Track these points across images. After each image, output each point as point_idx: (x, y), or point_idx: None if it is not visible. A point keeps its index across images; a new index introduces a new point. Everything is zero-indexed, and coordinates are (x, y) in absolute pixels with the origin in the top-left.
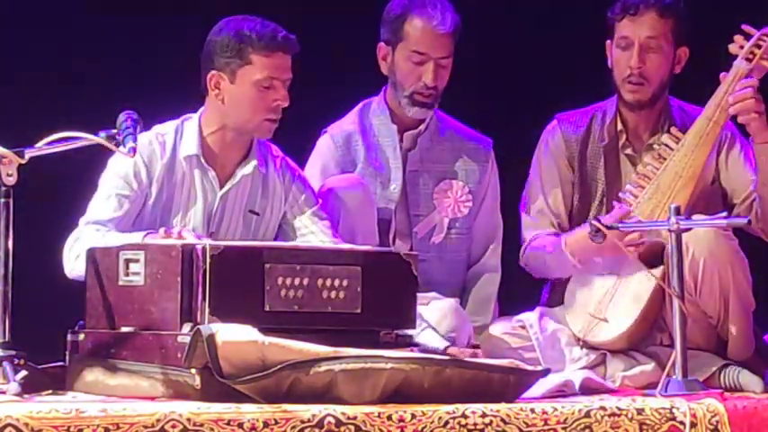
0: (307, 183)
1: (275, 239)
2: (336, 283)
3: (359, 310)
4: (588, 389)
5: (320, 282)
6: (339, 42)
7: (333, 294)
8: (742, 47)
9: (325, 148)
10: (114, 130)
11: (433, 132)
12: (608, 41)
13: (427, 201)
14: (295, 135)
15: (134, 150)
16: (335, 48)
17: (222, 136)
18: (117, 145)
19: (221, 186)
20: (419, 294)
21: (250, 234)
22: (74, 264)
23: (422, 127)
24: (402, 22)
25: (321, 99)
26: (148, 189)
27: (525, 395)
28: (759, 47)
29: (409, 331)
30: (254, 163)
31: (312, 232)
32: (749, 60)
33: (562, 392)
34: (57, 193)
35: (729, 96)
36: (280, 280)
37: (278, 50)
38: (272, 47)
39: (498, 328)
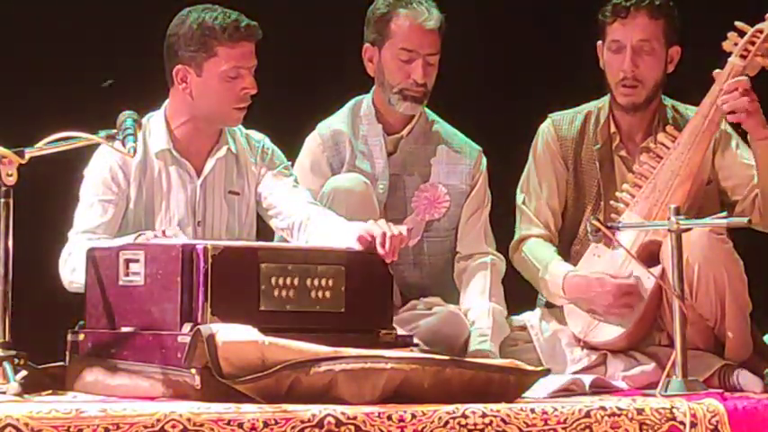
0: (270, 149)
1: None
2: (323, 282)
3: (343, 310)
4: (598, 387)
5: (308, 281)
6: (337, 41)
7: (320, 294)
8: (736, 44)
9: (314, 145)
10: (114, 130)
11: (417, 136)
12: (599, 43)
13: (406, 205)
14: (294, 133)
15: (135, 150)
16: (334, 46)
17: (192, 127)
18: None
19: (198, 175)
20: (423, 300)
21: (235, 215)
22: (71, 277)
23: (404, 132)
24: (388, 21)
25: (319, 97)
26: (128, 190)
27: (534, 392)
28: (753, 43)
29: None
30: (226, 146)
31: (271, 194)
32: (743, 57)
33: (571, 391)
34: (56, 193)
35: (720, 97)
36: (273, 280)
37: (242, 40)
38: (237, 37)
39: None
